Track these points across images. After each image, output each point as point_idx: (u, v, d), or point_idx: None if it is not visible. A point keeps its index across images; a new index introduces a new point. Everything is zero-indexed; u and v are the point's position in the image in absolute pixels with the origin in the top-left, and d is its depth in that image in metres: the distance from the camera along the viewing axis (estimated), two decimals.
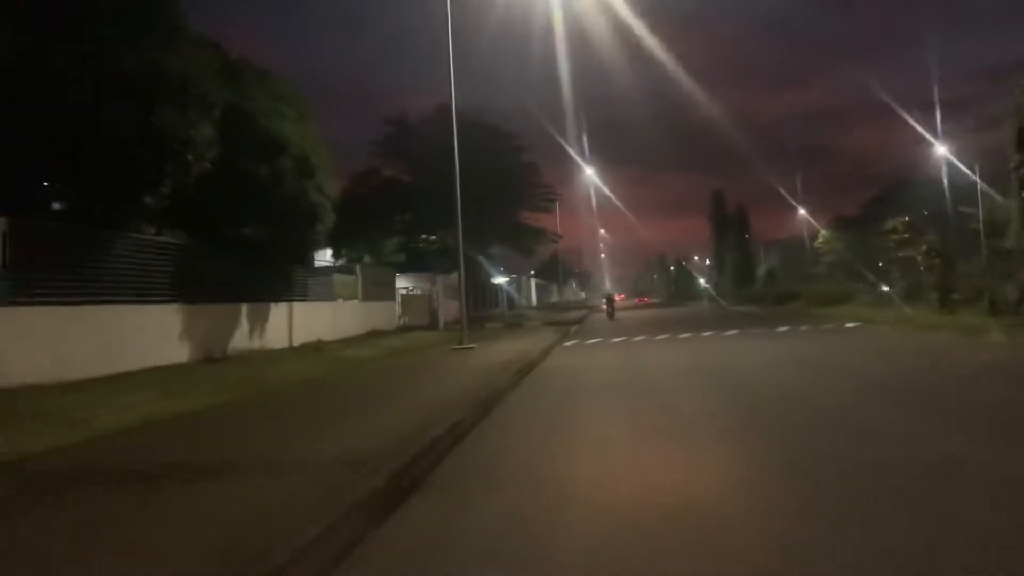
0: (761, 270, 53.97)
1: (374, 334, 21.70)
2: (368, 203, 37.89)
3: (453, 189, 20.62)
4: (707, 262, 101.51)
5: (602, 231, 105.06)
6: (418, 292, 34.11)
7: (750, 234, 47.33)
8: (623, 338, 20.29)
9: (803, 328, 19.84)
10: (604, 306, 44.80)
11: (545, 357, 15.57)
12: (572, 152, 46.94)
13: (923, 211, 67.45)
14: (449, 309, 36.66)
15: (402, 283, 34.71)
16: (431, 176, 40.45)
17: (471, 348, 16.97)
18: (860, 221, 71.59)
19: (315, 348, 16.88)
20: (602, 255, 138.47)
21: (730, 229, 49.67)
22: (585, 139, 46.52)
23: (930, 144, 48.62)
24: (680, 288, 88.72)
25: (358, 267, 22.74)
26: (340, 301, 21.11)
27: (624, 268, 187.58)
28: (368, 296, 23.05)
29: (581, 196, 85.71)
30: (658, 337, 19.81)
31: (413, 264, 36.65)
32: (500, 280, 60.02)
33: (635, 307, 60.59)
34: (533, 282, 74.94)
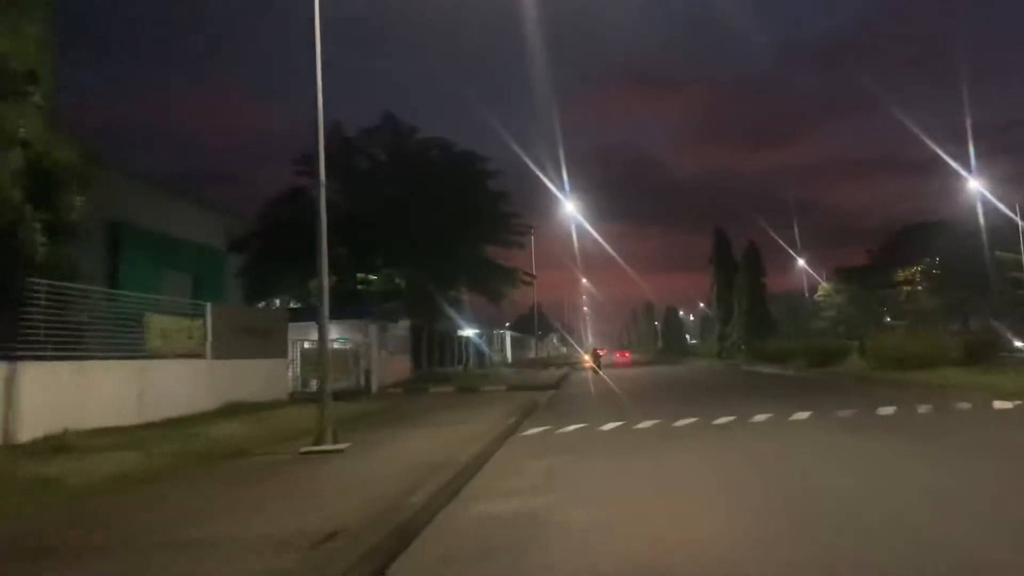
0: None
1: (223, 412, 13.56)
2: (290, 234, 30.07)
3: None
4: (690, 318, 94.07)
5: (584, 280, 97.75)
6: (349, 345, 25.97)
7: (766, 277, 39.90)
8: (619, 423, 12.32)
9: (922, 410, 11.95)
10: (589, 361, 42.55)
11: (469, 478, 7.58)
12: (551, 186, 39.92)
13: (938, 258, 60.86)
14: (393, 366, 28.50)
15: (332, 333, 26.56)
16: (373, 200, 32.86)
17: (335, 452, 8.96)
18: (866, 272, 64.70)
19: (30, 452, 8.74)
20: (584, 308, 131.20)
21: (737, 273, 42.30)
22: (565, 174, 39.56)
23: (950, 187, 41.66)
24: (670, 342, 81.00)
25: (207, 307, 14.72)
26: (158, 360, 12.99)
27: (607, 323, 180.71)
28: (229, 351, 14.96)
29: (561, 239, 78.26)
30: (680, 423, 11.88)
31: (348, 310, 28.54)
32: (468, 332, 52.19)
33: (617, 366, 52.53)
34: (508, 335, 66.90)
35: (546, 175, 43.95)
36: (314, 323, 26.51)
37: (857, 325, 61.71)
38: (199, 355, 14.41)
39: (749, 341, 36.80)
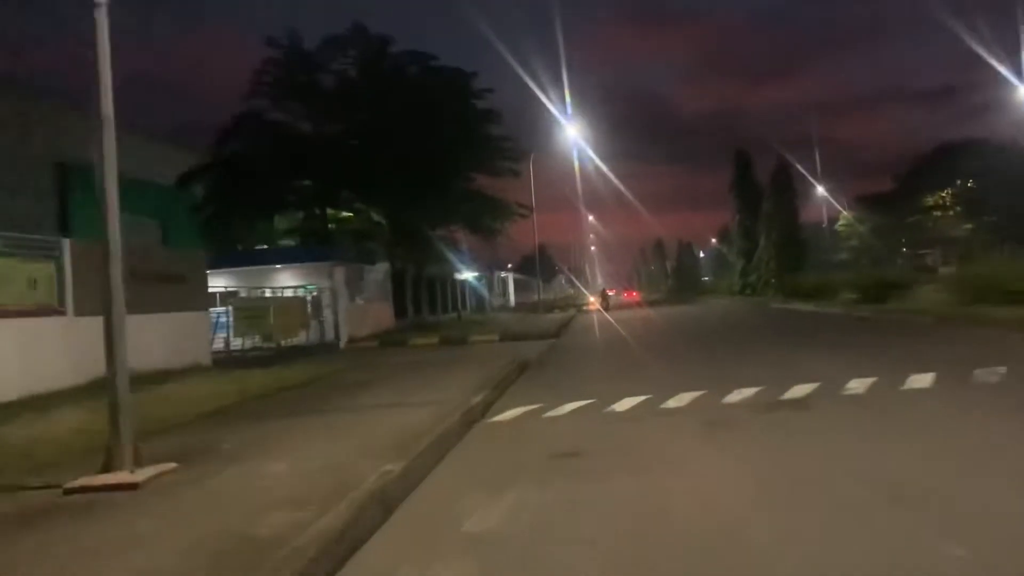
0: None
1: (84, 390, 9.59)
2: (247, 165, 25.78)
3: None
4: (701, 255, 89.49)
5: (590, 218, 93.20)
6: (313, 292, 22.03)
7: (798, 202, 35.06)
8: (640, 398, 8.26)
9: None
10: (595, 303, 39.25)
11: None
12: (553, 111, 35.14)
13: (971, 181, 55.68)
14: (371, 316, 24.57)
15: (288, 279, 22.69)
16: (343, 124, 28.38)
17: (125, 487, 4.90)
18: (890, 199, 59.77)
19: None
20: (592, 248, 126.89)
21: (762, 200, 37.68)
22: (568, 105, 34.80)
23: (986, 103, 36.38)
24: (683, 280, 76.77)
25: (65, 244, 10.63)
26: None
27: (616, 264, 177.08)
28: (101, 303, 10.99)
29: (565, 177, 73.82)
30: (733, 398, 7.83)
31: (311, 251, 24.49)
32: (467, 276, 48.26)
33: (625, 307, 48.34)
34: (511, 278, 62.92)
35: (548, 105, 39.21)
36: (268, 267, 22.60)
37: (881, 256, 57.27)
38: (53, 311, 10.38)
39: (780, 275, 32.45)
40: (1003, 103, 36.15)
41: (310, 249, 24.20)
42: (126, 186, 5.77)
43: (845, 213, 61.59)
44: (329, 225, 27.68)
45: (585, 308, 51.45)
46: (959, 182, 54.45)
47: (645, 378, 10.14)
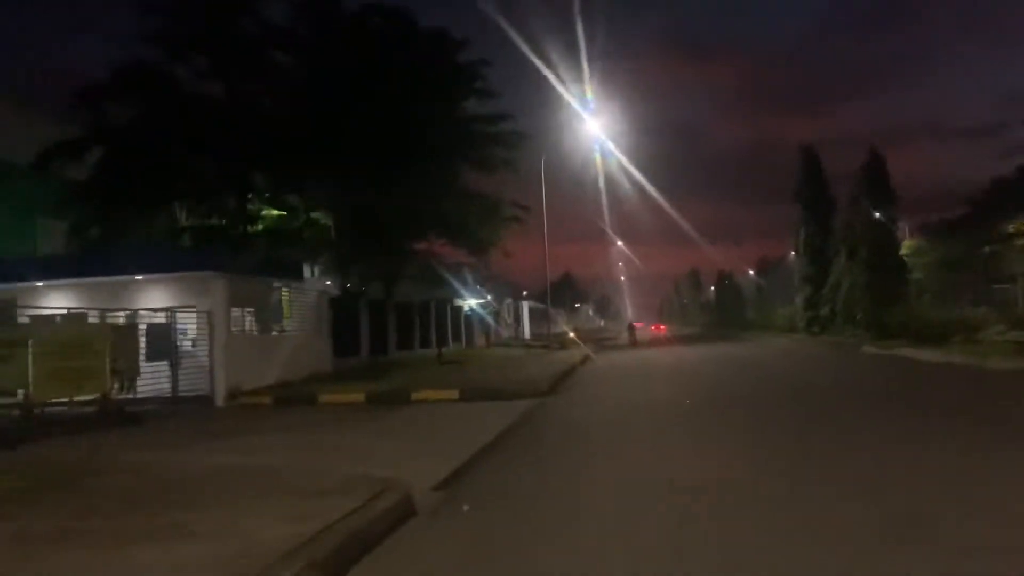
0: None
1: None
2: (133, 139, 18.61)
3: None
4: (752, 273, 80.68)
5: (619, 243, 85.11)
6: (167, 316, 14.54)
7: (895, 203, 25.95)
8: None
9: None
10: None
11: None
12: (567, 96, 27.70)
13: None
14: (283, 354, 16.96)
15: (159, 296, 15.28)
16: (275, 91, 21.12)
17: None
18: (961, 227, 50.93)
19: None
20: (622, 278, 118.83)
21: (835, 211, 29.48)
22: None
23: None
24: (725, 313, 68.05)
25: None
26: None
27: (648, 296, 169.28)
28: None
29: (595, 199, 66.72)
30: None
31: (177, 257, 16.85)
32: (471, 303, 40.59)
33: (655, 343, 40.52)
34: (526, 306, 55.06)
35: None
36: (128, 279, 15.07)
37: (950, 289, 48.41)
38: None
39: (871, 307, 24.01)
40: None
41: (176, 253, 16.71)
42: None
43: (909, 241, 52.68)
44: (250, 226, 20.24)
45: (609, 343, 43.46)
46: None
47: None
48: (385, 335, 23.48)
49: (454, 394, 13.40)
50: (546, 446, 8.28)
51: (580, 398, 13.35)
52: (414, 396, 13.42)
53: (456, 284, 39.55)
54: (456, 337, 34.37)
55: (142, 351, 12.65)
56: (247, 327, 16.19)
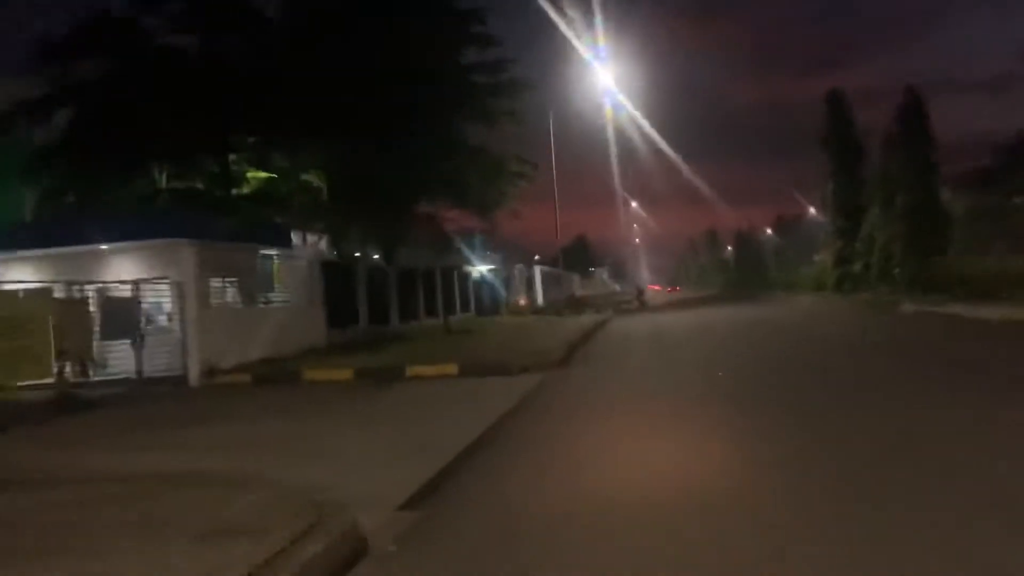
0: None
1: None
2: (104, 97, 17.03)
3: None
4: (769, 231, 78.26)
5: (634, 204, 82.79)
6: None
7: (935, 147, 23.54)
8: None
9: None
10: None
11: None
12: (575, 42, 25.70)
13: None
14: (270, 328, 15.52)
15: (130, 266, 13.87)
16: (250, 33, 19.38)
17: None
18: (986, 177, 48.38)
19: None
20: (636, 240, 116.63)
21: (862, 159, 27.37)
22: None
23: None
24: (746, 273, 65.97)
25: None
26: None
27: (664, 258, 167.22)
28: None
29: (606, 159, 64.57)
30: None
31: (150, 221, 15.31)
32: (481, 269, 39.05)
33: (674, 305, 38.91)
34: (538, 271, 53.35)
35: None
36: (94, 249, 13.56)
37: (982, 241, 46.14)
38: None
39: (912, 261, 22.00)
40: None
41: (147, 219, 15.16)
42: None
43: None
44: (235, 189, 18.69)
45: (626, 307, 41.93)
46: None
47: None
48: (387, 304, 22.00)
49: (453, 369, 11.90)
50: (550, 439, 6.76)
51: (595, 372, 11.83)
52: (409, 372, 11.95)
53: (465, 250, 37.98)
54: (465, 306, 32.87)
55: (98, 329, 11.20)
56: (229, 299, 14.75)
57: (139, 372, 12.14)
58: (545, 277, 54.26)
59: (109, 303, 11.89)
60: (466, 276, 34.36)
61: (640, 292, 43.82)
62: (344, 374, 12.17)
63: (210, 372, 12.54)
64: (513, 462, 5.82)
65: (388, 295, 22.11)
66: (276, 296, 16.01)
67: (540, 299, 51.28)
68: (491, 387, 10.12)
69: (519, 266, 47.29)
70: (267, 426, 7.87)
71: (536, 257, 52.37)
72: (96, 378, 11.84)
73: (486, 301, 36.97)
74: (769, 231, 78.87)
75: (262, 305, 15.67)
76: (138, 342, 12.09)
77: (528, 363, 12.00)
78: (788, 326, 18.14)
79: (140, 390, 11.75)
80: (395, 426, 7.68)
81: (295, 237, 22.59)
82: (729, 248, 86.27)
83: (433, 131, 18.77)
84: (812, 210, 74.70)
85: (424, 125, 18.38)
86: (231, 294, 14.96)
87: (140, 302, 12.31)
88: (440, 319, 26.26)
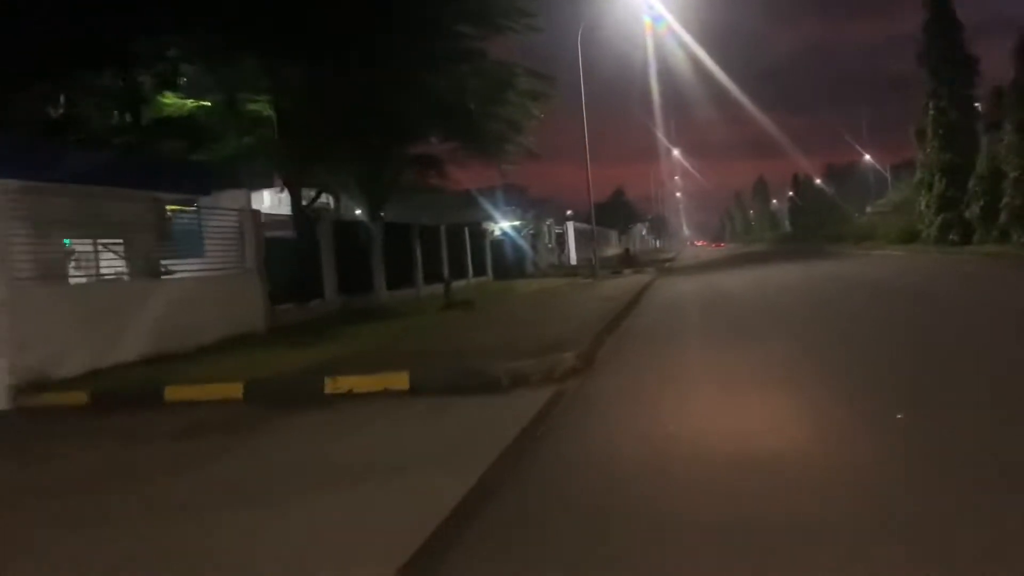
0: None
1: None
2: None
3: None
4: (818, 181, 71.40)
5: (675, 152, 76.53)
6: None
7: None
8: None
9: None
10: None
11: None
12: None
13: None
14: (154, 311, 10.77)
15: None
16: None
17: None
18: None
19: None
20: (677, 193, 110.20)
21: (974, 81, 21.55)
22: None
23: None
24: (801, 227, 59.67)
25: None
26: None
27: (706, 214, 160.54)
28: None
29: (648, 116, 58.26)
30: None
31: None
32: (503, 226, 34.27)
33: (716, 265, 33.63)
34: (571, 227, 48.21)
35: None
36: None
37: None
38: None
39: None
40: None
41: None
42: None
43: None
44: (144, 117, 13.97)
45: (668, 265, 36.79)
46: None
47: None
48: (368, 270, 17.32)
49: (403, 381, 7.14)
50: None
51: (633, 385, 6.94)
52: (329, 388, 7.23)
53: (485, 204, 32.94)
54: (481, 269, 28.03)
55: None
56: (102, 269, 10.20)
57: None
58: (579, 234, 49.06)
59: None
60: (482, 234, 29.49)
61: (627, 251, 40.90)
62: (229, 390, 7.51)
63: (33, 388, 8.01)
64: None
65: (371, 259, 17.39)
66: (186, 264, 11.39)
67: (573, 258, 46.22)
68: (444, 432, 5.35)
69: (549, 222, 42.17)
70: None
71: (568, 212, 47.13)
72: None
73: (510, 262, 32.08)
74: (818, 181, 72.02)
75: (164, 277, 11.06)
76: None
77: (530, 367, 7.18)
78: (918, 295, 12.90)
79: None
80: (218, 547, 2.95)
81: (273, 189, 17.93)
82: (775, 201, 79.55)
83: (418, 33, 13.78)
84: (867, 156, 67.79)
85: (406, 23, 13.43)
86: (109, 262, 10.40)
87: None
88: (444, 282, 21.44)
